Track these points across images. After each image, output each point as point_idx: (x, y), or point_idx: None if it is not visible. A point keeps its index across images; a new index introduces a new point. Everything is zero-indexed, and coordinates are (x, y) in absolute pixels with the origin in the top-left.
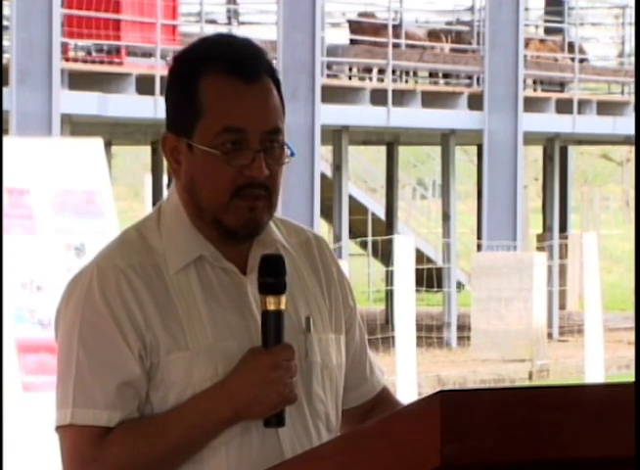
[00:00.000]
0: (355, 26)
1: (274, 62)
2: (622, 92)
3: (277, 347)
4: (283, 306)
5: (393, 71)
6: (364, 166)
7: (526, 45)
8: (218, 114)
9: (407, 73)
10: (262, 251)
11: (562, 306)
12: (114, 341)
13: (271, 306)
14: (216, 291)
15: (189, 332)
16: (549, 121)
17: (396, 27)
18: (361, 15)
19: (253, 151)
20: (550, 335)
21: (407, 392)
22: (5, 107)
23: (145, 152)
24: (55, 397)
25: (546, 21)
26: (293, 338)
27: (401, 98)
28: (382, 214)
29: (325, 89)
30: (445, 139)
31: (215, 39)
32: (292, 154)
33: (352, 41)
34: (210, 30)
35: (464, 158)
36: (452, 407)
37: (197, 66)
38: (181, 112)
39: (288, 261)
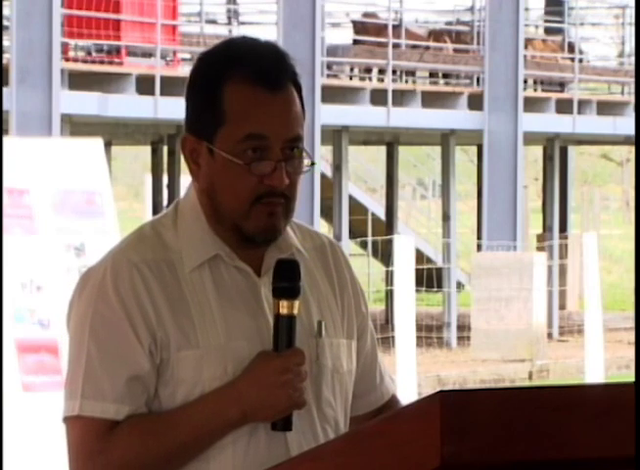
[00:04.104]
0: (359, 27)
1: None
2: (622, 92)
3: (288, 351)
4: (296, 311)
5: (394, 72)
6: (364, 166)
7: (527, 45)
8: (241, 122)
9: (407, 73)
10: (278, 253)
11: (562, 306)
12: (125, 335)
13: (284, 311)
14: (229, 291)
15: (200, 330)
16: (549, 121)
17: (397, 27)
18: (365, 15)
19: (275, 161)
20: (550, 335)
21: (407, 392)
22: (5, 107)
23: (145, 152)
24: (64, 388)
25: (546, 21)
26: (304, 341)
27: (401, 98)
28: (382, 214)
29: (325, 89)
30: (445, 139)
31: (240, 43)
32: (312, 164)
33: (355, 41)
34: (210, 30)
35: (464, 158)
36: (452, 407)
37: (221, 70)
38: (203, 115)
39: (302, 266)
